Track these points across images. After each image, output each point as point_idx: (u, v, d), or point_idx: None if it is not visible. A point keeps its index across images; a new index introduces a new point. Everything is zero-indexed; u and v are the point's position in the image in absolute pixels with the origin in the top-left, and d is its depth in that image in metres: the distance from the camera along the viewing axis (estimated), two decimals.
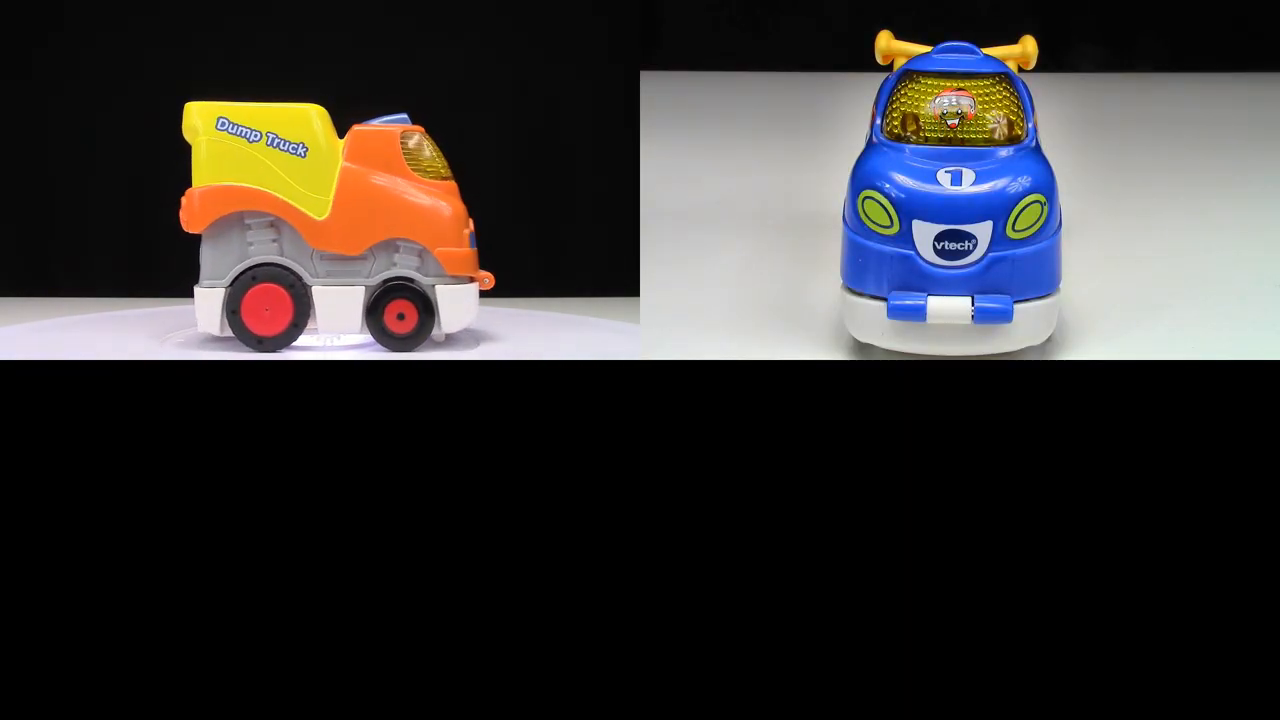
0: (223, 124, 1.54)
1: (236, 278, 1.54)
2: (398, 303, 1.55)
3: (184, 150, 1.55)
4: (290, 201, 1.53)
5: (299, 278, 1.54)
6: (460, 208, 1.57)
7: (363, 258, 1.55)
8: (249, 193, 1.53)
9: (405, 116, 1.58)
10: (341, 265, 1.55)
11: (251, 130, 1.53)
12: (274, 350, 1.54)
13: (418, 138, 1.57)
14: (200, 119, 1.54)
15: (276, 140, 1.53)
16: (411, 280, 1.55)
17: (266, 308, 1.54)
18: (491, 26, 2.16)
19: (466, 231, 1.57)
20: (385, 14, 2.13)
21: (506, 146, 2.15)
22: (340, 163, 1.54)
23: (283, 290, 1.54)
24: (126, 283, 2.08)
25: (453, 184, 1.59)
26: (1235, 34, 2.34)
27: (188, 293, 1.55)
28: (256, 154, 1.53)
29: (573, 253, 2.19)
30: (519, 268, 2.19)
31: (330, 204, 1.53)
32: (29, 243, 2.13)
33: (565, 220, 2.19)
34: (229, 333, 1.54)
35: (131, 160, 2.07)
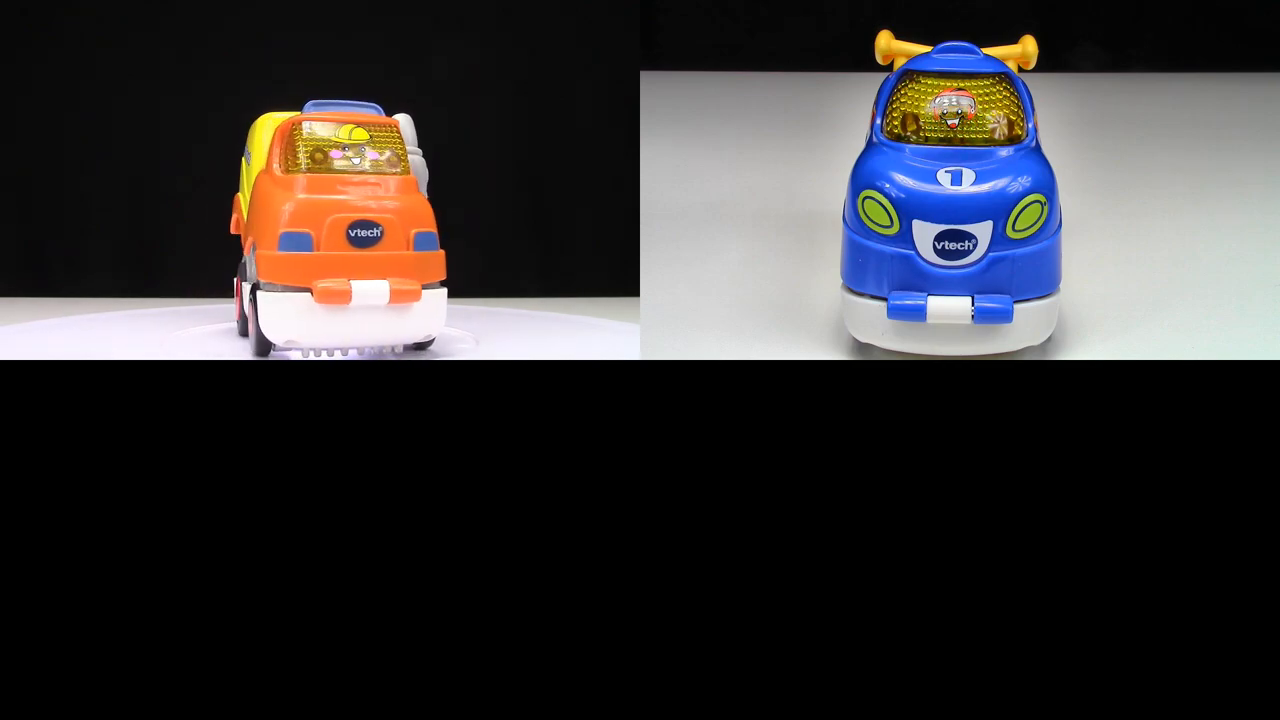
0: None
1: None
2: None
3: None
4: None
5: None
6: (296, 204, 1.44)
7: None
8: None
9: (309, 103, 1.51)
10: None
11: None
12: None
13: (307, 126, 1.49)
14: None
15: None
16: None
17: None
18: (491, 27, 2.16)
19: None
20: (386, 14, 2.13)
21: (507, 147, 2.15)
22: None
23: None
24: (126, 283, 2.09)
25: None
26: (1235, 34, 2.34)
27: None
28: None
29: (573, 253, 2.19)
30: (519, 268, 2.20)
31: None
32: (29, 243, 2.13)
33: (565, 220, 2.20)
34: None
35: (131, 160, 2.07)
